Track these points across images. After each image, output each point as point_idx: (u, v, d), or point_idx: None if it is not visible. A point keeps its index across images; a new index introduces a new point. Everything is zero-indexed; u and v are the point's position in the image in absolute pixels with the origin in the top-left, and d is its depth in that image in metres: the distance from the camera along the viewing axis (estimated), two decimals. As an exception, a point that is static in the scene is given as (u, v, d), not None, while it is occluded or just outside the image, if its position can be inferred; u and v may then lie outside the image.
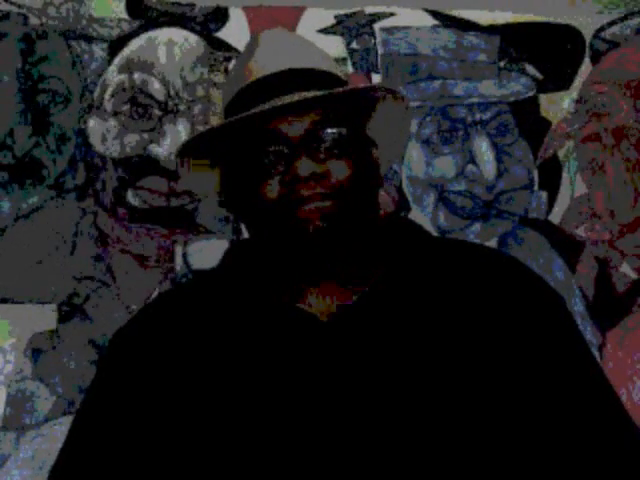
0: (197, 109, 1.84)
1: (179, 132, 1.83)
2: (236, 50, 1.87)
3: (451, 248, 1.11)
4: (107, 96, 1.84)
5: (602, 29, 1.95)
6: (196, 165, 1.10)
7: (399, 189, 1.89)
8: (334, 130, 1.00)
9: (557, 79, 1.94)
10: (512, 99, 1.92)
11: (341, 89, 1.01)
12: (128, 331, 1.12)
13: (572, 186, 1.93)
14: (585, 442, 0.99)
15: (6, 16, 1.82)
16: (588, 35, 1.94)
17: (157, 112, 1.84)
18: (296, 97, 0.97)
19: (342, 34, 1.89)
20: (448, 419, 0.95)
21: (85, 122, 1.83)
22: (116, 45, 1.85)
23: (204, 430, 0.99)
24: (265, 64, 1.03)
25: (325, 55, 1.09)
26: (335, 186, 0.99)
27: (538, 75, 1.93)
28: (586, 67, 1.94)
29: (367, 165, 1.04)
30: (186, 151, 1.07)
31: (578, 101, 1.93)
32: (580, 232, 1.92)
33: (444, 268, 1.06)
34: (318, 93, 0.98)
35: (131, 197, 1.83)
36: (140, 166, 1.83)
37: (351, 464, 0.95)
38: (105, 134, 1.83)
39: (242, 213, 1.07)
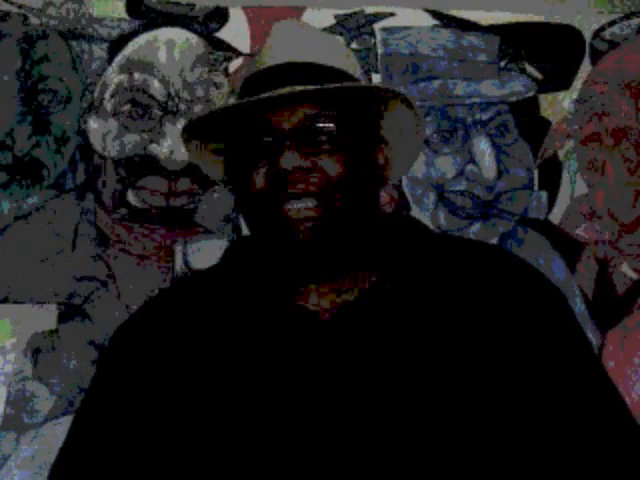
0: (197, 109, 1.84)
1: (179, 132, 1.83)
2: (236, 50, 1.87)
3: (453, 245, 1.10)
4: (107, 96, 1.84)
5: (602, 29, 1.94)
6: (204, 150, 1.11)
7: (399, 189, 1.89)
8: (327, 125, 0.98)
9: (557, 79, 1.94)
10: (512, 99, 1.92)
11: (333, 85, 0.98)
12: (128, 329, 1.12)
13: (572, 186, 1.93)
14: (588, 440, 0.98)
15: (6, 16, 1.82)
16: (588, 35, 1.94)
17: (157, 112, 1.84)
18: (288, 90, 0.96)
19: (342, 34, 1.89)
20: (451, 418, 0.95)
21: (85, 122, 1.83)
22: (116, 45, 1.85)
23: (204, 429, 0.99)
24: (271, 55, 1.03)
25: (341, 50, 1.08)
26: (323, 183, 0.97)
27: (538, 75, 1.93)
28: (586, 67, 1.94)
29: (364, 164, 1.02)
30: (190, 134, 1.08)
31: (578, 101, 1.93)
32: (580, 232, 1.92)
33: (446, 266, 1.05)
34: (309, 87, 0.96)
35: (131, 197, 1.83)
36: (140, 166, 1.83)
37: (352, 463, 0.95)
38: (105, 134, 1.83)
39: (238, 202, 1.08)
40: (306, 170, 0.97)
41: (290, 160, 0.96)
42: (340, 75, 1.03)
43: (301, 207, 0.97)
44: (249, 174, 0.99)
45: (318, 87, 0.97)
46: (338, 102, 1.00)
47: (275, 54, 1.03)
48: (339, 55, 1.07)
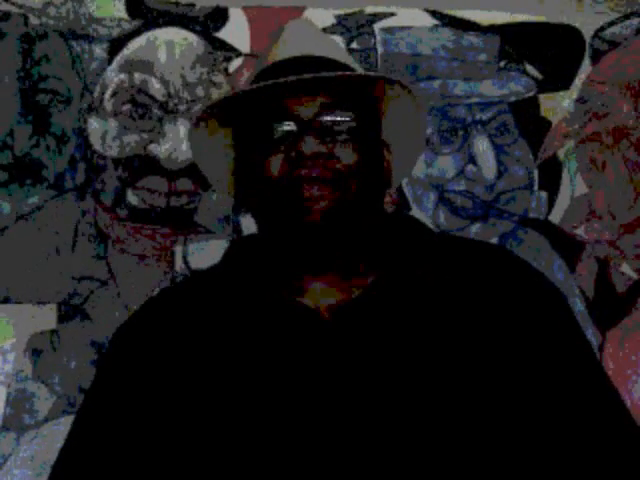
0: (197, 109, 1.84)
1: (179, 132, 1.83)
2: (236, 50, 1.87)
3: (454, 245, 1.11)
4: (107, 96, 1.84)
5: (602, 29, 1.95)
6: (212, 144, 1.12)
7: (399, 189, 1.89)
8: (344, 115, 1.02)
9: (557, 79, 1.94)
10: (512, 99, 1.92)
11: (355, 73, 1.03)
12: (129, 328, 1.12)
13: (572, 186, 1.93)
14: (586, 439, 0.99)
15: (6, 16, 1.82)
16: (588, 35, 1.94)
17: (157, 112, 1.84)
18: (322, 74, 0.99)
19: (342, 34, 1.89)
20: (451, 416, 0.96)
21: (85, 122, 1.83)
22: (116, 45, 1.85)
23: (205, 428, 0.99)
24: (285, 50, 1.06)
25: (344, 52, 1.13)
26: (339, 170, 1.00)
27: (538, 75, 1.93)
28: (586, 67, 1.94)
29: (374, 158, 1.05)
30: (201, 123, 1.09)
31: (578, 101, 1.93)
32: (580, 232, 1.92)
33: (447, 264, 1.06)
34: (330, 74, 0.99)
35: (131, 197, 1.83)
36: (140, 166, 1.83)
37: (353, 461, 0.95)
38: (105, 134, 1.83)
39: (248, 192, 1.08)
40: (324, 156, 0.99)
41: (310, 145, 0.99)
42: (353, 71, 1.07)
43: (317, 194, 1.00)
44: (266, 158, 1.01)
45: (348, 73, 1.01)
46: (352, 95, 1.03)
47: (289, 49, 1.05)
48: (346, 56, 1.12)
